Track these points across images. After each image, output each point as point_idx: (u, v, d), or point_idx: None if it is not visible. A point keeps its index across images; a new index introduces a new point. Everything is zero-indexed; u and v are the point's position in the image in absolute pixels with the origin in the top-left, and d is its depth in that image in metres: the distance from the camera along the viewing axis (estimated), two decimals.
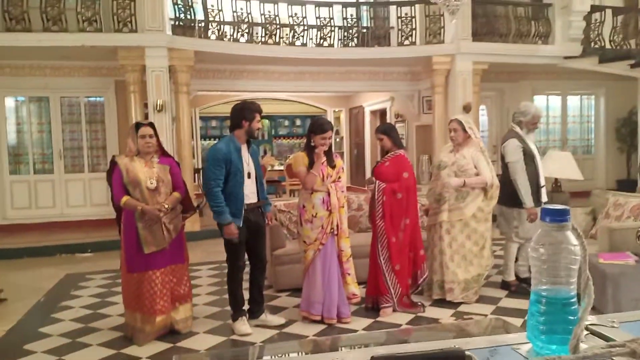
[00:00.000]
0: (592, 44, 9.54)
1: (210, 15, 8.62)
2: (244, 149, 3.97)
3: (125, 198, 3.77)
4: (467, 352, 0.64)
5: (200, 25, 8.58)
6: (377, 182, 4.31)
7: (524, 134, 4.68)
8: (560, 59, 9.50)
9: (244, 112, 3.93)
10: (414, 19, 9.33)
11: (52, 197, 8.87)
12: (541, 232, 0.75)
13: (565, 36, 9.43)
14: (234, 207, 3.84)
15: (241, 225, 3.87)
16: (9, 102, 8.87)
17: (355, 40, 9.62)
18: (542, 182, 4.75)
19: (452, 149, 4.58)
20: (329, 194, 3.99)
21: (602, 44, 9.56)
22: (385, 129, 4.47)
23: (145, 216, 3.76)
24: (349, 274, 4.12)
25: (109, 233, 7.36)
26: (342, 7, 9.48)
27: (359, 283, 4.25)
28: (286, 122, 16.98)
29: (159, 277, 3.84)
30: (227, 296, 4.13)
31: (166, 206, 3.82)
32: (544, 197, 4.78)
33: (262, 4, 8.86)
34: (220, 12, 8.65)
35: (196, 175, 10.59)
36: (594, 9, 9.50)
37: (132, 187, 3.80)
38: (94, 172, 8.98)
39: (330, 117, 13.86)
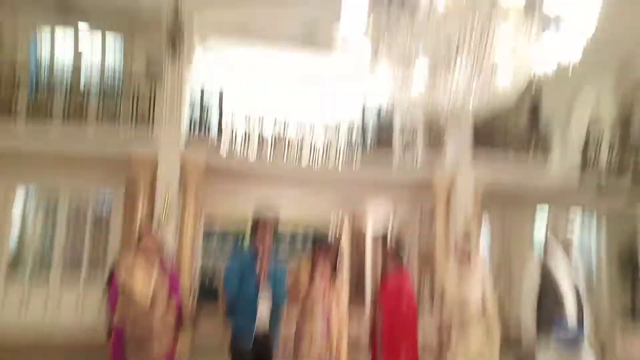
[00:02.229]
0: (591, 168, 9.90)
1: (223, 132, 9.05)
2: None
3: (117, 316, 3.69)
4: None
5: (213, 140, 8.96)
6: (377, 299, 4.22)
7: (562, 249, 4.36)
8: (561, 180, 9.76)
9: (251, 226, 4.01)
10: (415, 140, 9.75)
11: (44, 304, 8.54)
12: (554, 354, 0.71)
13: (565, 157, 9.82)
14: (245, 326, 3.68)
15: (250, 347, 3.68)
16: (19, 193, 8.90)
17: (359, 159, 9.95)
18: (570, 309, 4.15)
19: (458, 270, 4.47)
20: (328, 321, 3.81)
21: (600, 167, 9.91)
22: (390, 240, 4.48)
23: (135, 334, 3.63)
24: None
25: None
26: (348, 129, 9.99)
27: None
28: (287, 239, 16.89)
29: None
30: None
31: (158, 324, 3.73)
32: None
33: (273, 124, 9.36)
34: (234, 127, 9.09)
35: (192, 288, 10.29)
36: (591, 131, 9.99)
37: (127, 299, 3.71)
38: (91, 271, 8.76)
39: (331, 233, 13.84)
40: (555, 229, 4.47)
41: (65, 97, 7.97)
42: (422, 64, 3.61)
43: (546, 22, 3.54)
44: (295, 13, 8.91)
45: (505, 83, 3.62)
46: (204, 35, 9.40)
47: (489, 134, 9.91)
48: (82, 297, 8.73)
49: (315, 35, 9.34)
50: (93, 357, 7.13)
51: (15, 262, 8.76)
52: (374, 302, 4.32)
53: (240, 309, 3.70)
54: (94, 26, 9.54)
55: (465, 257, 4.42)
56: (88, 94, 8.10)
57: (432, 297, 9.70)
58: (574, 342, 3.93)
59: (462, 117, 4.14)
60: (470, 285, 4.30)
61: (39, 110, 7.87)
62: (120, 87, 8.33)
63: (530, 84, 3.83)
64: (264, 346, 3.74)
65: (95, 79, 8.51)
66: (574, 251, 4.47)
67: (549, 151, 9.96)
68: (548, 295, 4.28)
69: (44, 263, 8.82)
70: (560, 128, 9.89)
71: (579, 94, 9.35)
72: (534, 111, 10.79)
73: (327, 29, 9.21)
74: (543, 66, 3.72)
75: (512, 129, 10.11)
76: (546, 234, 4.59)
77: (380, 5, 3.47)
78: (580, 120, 9.70)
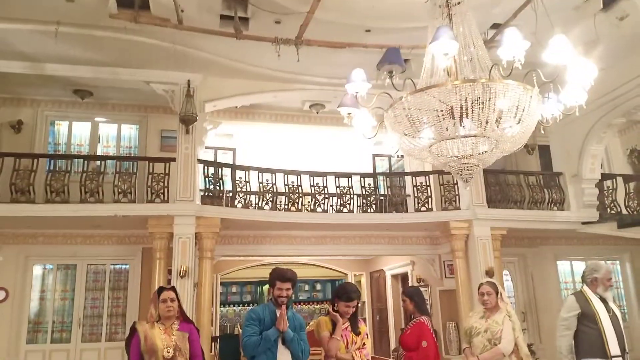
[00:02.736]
0: (609, 210, 9.72)
1: (237, 186, 9.17)
2: None
3: None
4: None
5: (228, 195, 9.08)
6: (401, 350, 4.18)
7: (601, 292, 4.41)
8: (578, 224, 9.62)
9: (270, 278, 3.99)
10: (429, 187, 9.75)
11: None
12: None
13: (580, 203, 9.65)
14: None
15: None
16: (37, 270, 9.10)
17: (374, 206, 9.98)
18: (614, 350, 4.19)
19: (483, 315, 4.43)
20: None
21: (619, 210, 9.72)
22: (409, 292, 4.47)
23: None
24: None
25: None
26: (361, 177, 10.02)
27: None
28: (306, 287, 16.79)
29: None
30: None
31: None
32: None
33: (286, 176, 9.46)
34: (248, 183, 9.20)
35: (213, 344, 10.23)
36: (605, 177, 9.87)
37: (148, 355, 3.72)
38: (110, 341, 8.80)
39: (350, 281, 13.71)
40: (592, 272, 4.47)
41: (82, 178, 8.19)
42: (427, 131, 3.67)
43: (546, 86, 3.60)
44: (297, 95, 9.66)
45: (513, 131, 3.64)
46: (215, 121, 10.01)
47: (502, 180, 9.88)
48: (103, 351, 8.80)
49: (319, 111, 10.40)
50: None
51: (36, 329, 8.82)
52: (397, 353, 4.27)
53: (259, 352, 3.70)
54: (110, 119, 10.15)
55: (490, 299, 4.36)
56: (104, 175, 8.32)
57: (459, 341, 9.49)
58: None
59: (473, 165, 4.15)
60: (499, 326, 4.23)
61: (56, 193, 8.06)
62: (136, 166, 8.60)
63: (538, 126, 3.85)
64: None
65: (111, 161, 8.83)
66: (610, 292, 4.47)
67: (564, 198, 9.83)
68: (587, 333, 4.28)
69: (64, 327, 8.88)
70: (572, 167, 9.80)
71: (589, 132, 9.30)
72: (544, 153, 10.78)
73: (330, 105, 9.84)
74: (549, 110, 3.77)
75: (525, 179, 10.00)
76: (584, 276, 4.58)
77: (381, 79, 3.57)
78: (593, 158, 9.60)
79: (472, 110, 3.47)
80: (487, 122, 3.49)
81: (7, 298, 8.57)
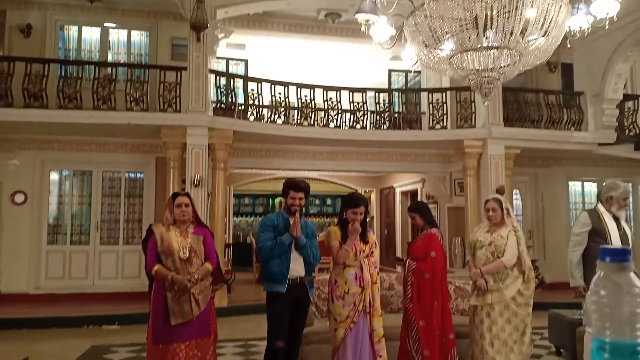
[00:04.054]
0: (627, 132, 9.53)
1: (250, 99, 9.06)
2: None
3: (157, 266, 3.82)
4: None
5: (240, 107, 9.00)
6: (408, 261, 4.26)
7: (615, 211, 4.39)
8: (594, 145, 9.48)
9: (283, 188, 4.05)
10: (445, 105, 9.57)
11: (85, 268, 9.02)
12: (601, 274, 0.74)
13: (598, 123, 9.46)
14: (278, 271, 3.82)
15: (284, 291, 3.82)
16: (54, 175, 9.29)
17: (387, 123, 9.87)
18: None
19: (489, 229, 4.48)
20: (361, 269, 3.94)
21: (637, 132, 9.53)
22: (416, 207, 4.48)
23: (174, 286, 3.77)
24: (380, 356, 3.95)
25: (137, 306, 7.36)
26: (375, 93, 9.83)
27: None
28: (317, 201, 17.13)
29: (183, 350, 3.77)
30: None
31: (196, 277, 3.83)
32: None
33: (299, 89, 9.30)
34: (260, 96, 9.08)
35: (227, 250, 10.63)
36: (627, 97, 9.58)
37: (164, 256, 3.85)
38: (128, 245, 9.16)
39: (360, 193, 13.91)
40: (609, 190, 4.44)
41: (93, 85, 8.11)
42: (448, 42, 3.51)
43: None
44: (312, 2, 9.23)
45: (538, 42, 3.47)
46: (227, 29, 9.61)
47: (521, 98, 9.62)
48: (121, 254, 9.16)
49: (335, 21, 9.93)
50: (135, 303, 7.64)
51: (56, 231, 9.17)
52: (405, 262, 4.40)
53: (274, 256, 3.84)
54: (120, 25, 9.82)
55: (495, 215, 4.39)
56: (115, 83, 8.24)
57: (464, 255, 9.76)
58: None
59: (494, 79, 3.95)
60: (503, 240, 4.30)
61: (68, 99, 8.02)
62: (148, 74, 8.45)
63: (563, 42, 3.67)
64: (299, 289, 3.89)
65: (122, 68, 8.66)
66: (624, 212, 4.46)
67: (583, 118, 9.59)
68: (595, 248, 4.23)
69: (83, 230, 9.22)
70: (594, 87, 9.48)
71: (616, 50, 8.88)
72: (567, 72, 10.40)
73: (346, 14, 9.35)
74: (577, 22, 3.56)
75: (544, 98, 9.71)
76: (600, 194, 4.56)
77: None
78: (617, 77, 9.24)
79: (497, 20, 3.28)
80: (511, 33, 3.32)
81: (26, 201, 8.84)
